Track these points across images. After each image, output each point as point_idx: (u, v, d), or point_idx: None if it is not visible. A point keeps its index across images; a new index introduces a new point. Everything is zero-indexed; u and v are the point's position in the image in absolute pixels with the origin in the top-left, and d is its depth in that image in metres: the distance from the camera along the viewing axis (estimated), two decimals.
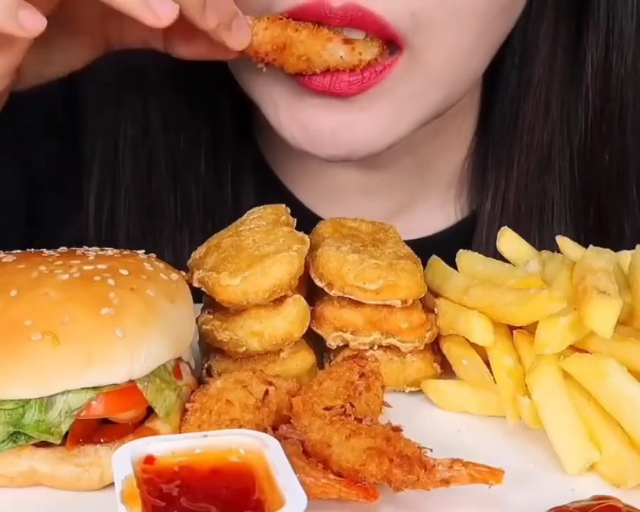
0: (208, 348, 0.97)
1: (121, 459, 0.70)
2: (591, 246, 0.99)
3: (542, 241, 1.24)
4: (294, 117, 1.09)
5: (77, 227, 1.28)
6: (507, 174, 1.27)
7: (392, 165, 1.26)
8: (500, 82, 1.26)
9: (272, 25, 1.01)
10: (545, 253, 1.03)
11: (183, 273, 0.95)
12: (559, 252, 1.04)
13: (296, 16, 1.02)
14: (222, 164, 1.27)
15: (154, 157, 1.26)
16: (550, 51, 1.24)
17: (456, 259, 1.05)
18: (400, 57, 1.05)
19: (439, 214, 1.33)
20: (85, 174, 1.28)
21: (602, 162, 1.27)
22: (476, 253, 1.04)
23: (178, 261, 1.18)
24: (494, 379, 0.93)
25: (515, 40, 1.23)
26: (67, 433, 0.81)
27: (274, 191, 1.29)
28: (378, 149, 1.10)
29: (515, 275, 0.98)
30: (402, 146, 1.15)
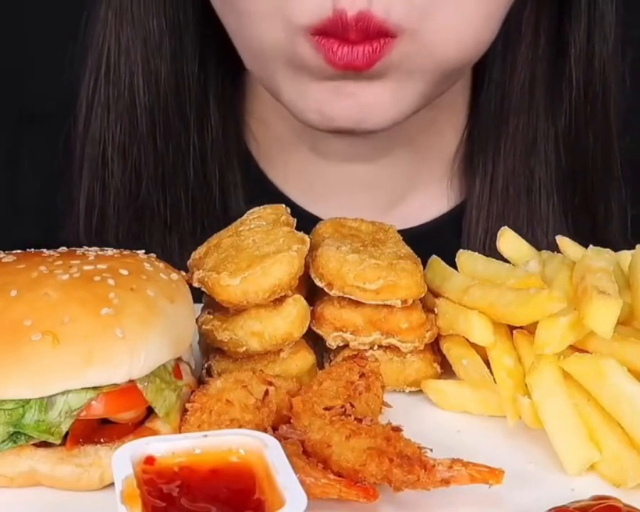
0: (208, 348, 0.97)
1: (121, 459, 0.70)
2: (591, 246, 0.99)
3: (531, 221, 1.26)
4: (321, 89, 1.10)
5: (67, 231, 1.29)
6: (494, 157, 1.28)
7: (387, 157, 1.27)
8: (486, 68, 1.27)
9: None
10: (545, 253, 1.03)
11: (183, 273, 0.95)
12: (556, 250, 1.04)
13: (319, 33, 1.04)
14: (210, 168, 1.28)
15: (143, 162, 1.27)
16: (533, 35, 1.25)
17: (456, 259, 1.05)
18: (401, 35, 1.06)
19: (433, 203, 1.33)
20: (75, 179, 1.29)
21: (587, 143, 1.28)
22: (476, 253, 1.04)
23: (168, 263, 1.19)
24: (494, 379, 0.93)
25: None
26: (67, 433, 0.82)
27: (264, 192, 1.29)
28: (383, 123, 1.11)
29: (515, 275, 0.98)
30: (398, 138, 1.16)
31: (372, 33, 1.03)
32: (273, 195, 1.29)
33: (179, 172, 1.27)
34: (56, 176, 1.30)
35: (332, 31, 1.03)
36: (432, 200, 1.33)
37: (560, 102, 1.27)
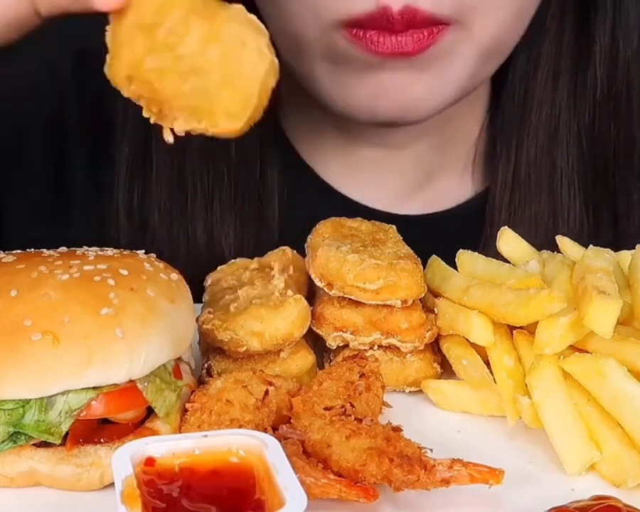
0: (208, 348, 0.97)
1: (121, 459, 0.70)
2: (591, 246, 0.99)
3: (553, 210, 1.29)
4: (360, 81, 1.12)
5: (103, 207, 1.29)
6: (517, 147, 1.30)
7: (412, 144, 1.30)
8: (510, 60, 1.28)
9: None
10: (545, 253, 1.03)
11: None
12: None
13: (362, 25, 1.06)
14: (249, 143, 1.29)
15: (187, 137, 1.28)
16: (558, 31, 1.28)
17: (456, 259, 1.05)
18: (449, 27, 1.09)
19: (456, 190, 1.36)
20: (116, 151, 1.29)
21: (609, 137, 1.31)
22: (476, 253, 1.04)
23: (210, 238, 1.22)
24: (494, 379, 0.93)
25: None
26: (67, 433, 0.82)
27: (297, 169, 1.32)
28: (425, 115, 1.14)
29: (515, 275, 0.98)
30: (428, 127, 1.19)
31: (419, 23, 1.06)
32: (305, 172, 1.32)
33: (221, 146, 1.28)
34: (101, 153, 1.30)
35: (375, 25, 1.05)
36: (455, 187, 1.35)
37: (583, 97, 1.29)
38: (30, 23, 0.90)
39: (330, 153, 1.33)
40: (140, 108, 0.83)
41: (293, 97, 1.31)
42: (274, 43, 0.82)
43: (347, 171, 1.33)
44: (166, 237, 1.27)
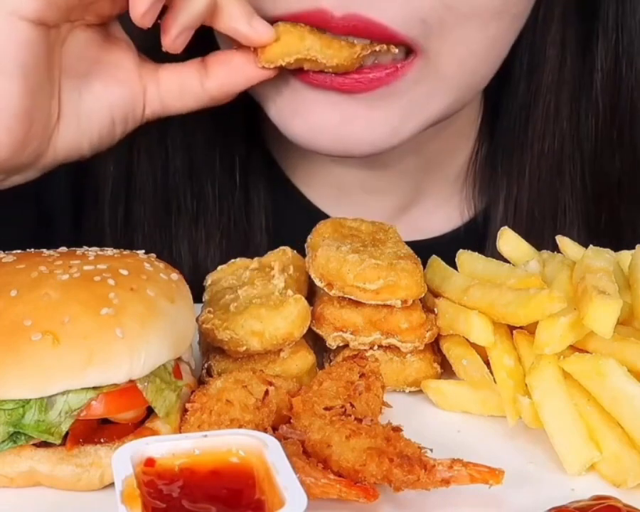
0: (208, 348, 0.97)
1: (121, 459, 0.70)
2: (591, 246, 0.99)
3: (556, 245, 1.26)
4: (296, 112, 1.09)
5: (89, 227, 1.29)
6: (519, 180, 1.28)
7: (396, 164, 1.28)
8: (509, 87, 1.27)
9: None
10: (545, 253, 1.03)
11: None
12: (559, 251, 1.04)
13: (298, 20, 1.03)
14: (233, 163, 1.29)
15: (170, 155, 1.27)
16: (559, 58, 1.25)
17: (456, 259, 1.05)
18: (415, 59, 1.06)
19: (441, 213, 1.34)
20: (100, 175, 1.28)
21: (613, 167, 1.28)
22: (476, 253, 1.04)
23: (195, 257, 1.21)
24: (494, 379, 0.93)
25: (523, 46, 1.24)
26: (67, 433, 0.82)
27: (283, 190, 1.31)
28: (381, 150, 1.11)
29: (515, 275, 0.98)
30: (407, 146, 1.15)
31: (362, 32, 1.02)
32: (291, 192, 1.32)
33: (205, 165, 1.28)
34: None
35: (311, 22, 1.02)
36: (440, 210, 1.34)
37: (585, 127, 1.26)
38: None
39: (315, 173, 1.31)
40: None
41: None
42: None
43: (332, 191, 1.31)
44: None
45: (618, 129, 1.27)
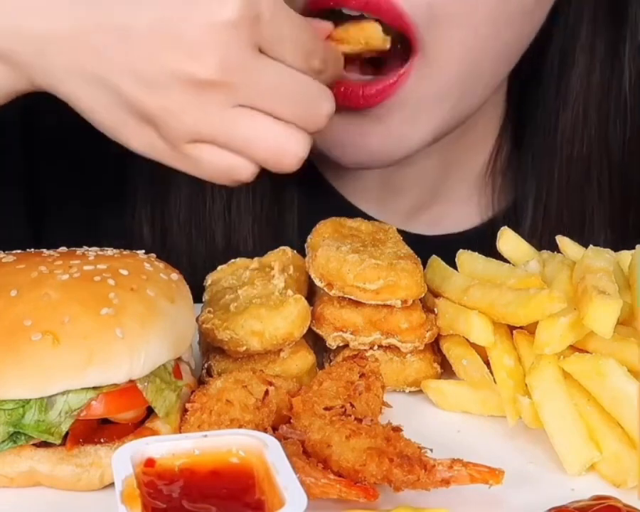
0: (208, 348, 0.97)
1: (121, 460, 0.70)
2: (591, 246, 0.99)
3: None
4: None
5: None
6: (549, 184, 1.29)
7: (417, 164, 1.28)
8: (537, 92, 1.27)
9: None
10: (545, 253, 1.03)
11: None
12: (559, 251, 1.04)
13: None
14: None
15: None
16: (588, 64, 1.25)
17: (456, 259, 1.05)
18: (413, 60, 1.07)
19: (460, 212, 1.35)
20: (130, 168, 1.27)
21: None
22: (476, 253, 1.04)
23: (228, 242, 1.23)
24: (494, 379, 0.93)
25: (552, 51, 1.25)
26: (67, 433, 0.82)
27: (315, 184, 1.31)
28: (396, 159, 1.14)
29: (515, 275, 0.98)
30: (429, 147, 1.17)
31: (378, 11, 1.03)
32: (326, 189, 1.32)
33: None
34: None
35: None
36: (460, 208, 1.34)
37: (614, 133, 1.27)
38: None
39: (340, 171, 1.31)
40: None
41: None
42: None
43: (356, 185, 1.32)
44: (185, 244, 1.26)
45: None
